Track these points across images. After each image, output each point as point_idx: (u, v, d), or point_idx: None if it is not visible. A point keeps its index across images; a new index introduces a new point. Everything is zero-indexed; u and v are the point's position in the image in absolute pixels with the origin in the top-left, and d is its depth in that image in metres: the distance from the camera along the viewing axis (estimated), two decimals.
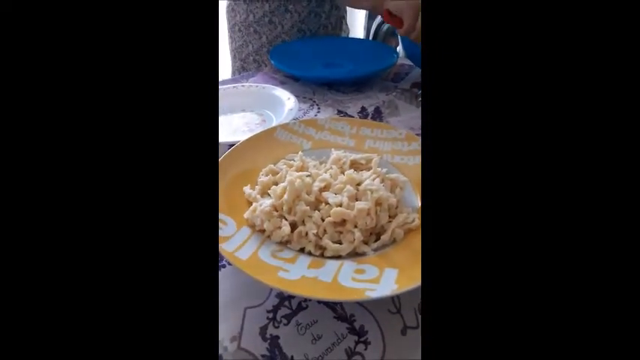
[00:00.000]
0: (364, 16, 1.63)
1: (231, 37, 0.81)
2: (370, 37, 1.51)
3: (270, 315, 0.28)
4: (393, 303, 0.29)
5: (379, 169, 0.35)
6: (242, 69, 0.82)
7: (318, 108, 0.57)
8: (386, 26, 1.48)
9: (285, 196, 0.30)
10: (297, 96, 0.56)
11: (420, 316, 0.28)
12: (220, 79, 0.67)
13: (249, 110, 0.54)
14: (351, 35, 0.94)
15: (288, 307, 0.28)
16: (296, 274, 0.26)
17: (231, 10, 0.78)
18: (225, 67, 0.88)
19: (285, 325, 0.27)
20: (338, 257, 0.29)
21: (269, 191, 0.32)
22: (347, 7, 0.85)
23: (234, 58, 0.83)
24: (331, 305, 0.28)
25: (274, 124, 0.50)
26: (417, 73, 0.68)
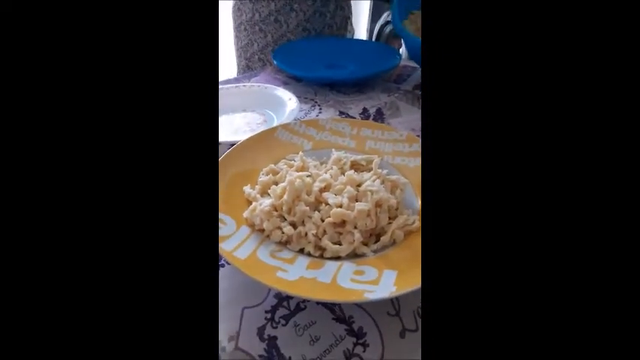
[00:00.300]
0: (367, 17, 1.63)
1: (237, 36, 0.82)
2: (373, 39, 1.50)
3: (269, 315, 0.27)
4: (392, 305, 0.28)
5: (380, 170, 0.34)
6: (247, 68, 0.82)
7: (320, 109, 0.57)
8: (389, 28, 1.48)
9: (285, 196, 0.30)
10: (298, 96, 0.55)
11: (419, 319, 0.28)
12: (225, 78, 0.67)
13: (251, 110, 0.54)
14: (354, 37, 0.94)
15: (286, 307, 0.28)
16: (295, 275, 0.26)
17: (237, 10, 0.79)
18: (232, 67, 0.88)
19: (283, 325, 0.27)
20: (337, 258, 0.29)
21: (269, 191, 0.32)
22: (352, 8, 0.85)
23: (239, 57, 0.83)
24: (330, 306, 0.28)
25: (275, 124, 0.50)
26: (419, 74, 0.67)
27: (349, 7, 0.84)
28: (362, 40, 0.94)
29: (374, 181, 0.33)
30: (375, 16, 1.57)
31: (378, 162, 0.36)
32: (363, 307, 0.28)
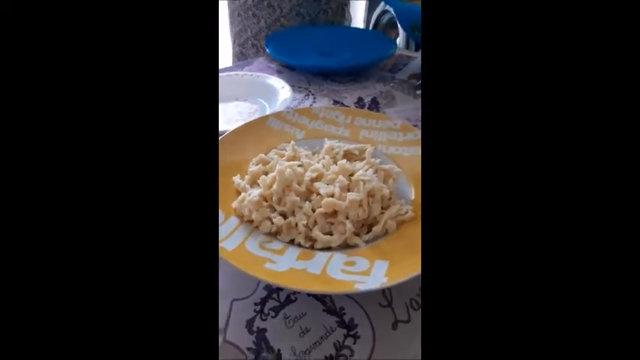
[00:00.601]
0: (364, 7, 1.60)
1: (231, 22, 0.81)
2: (370, 28, 1.48)
3: (258, 307, 0.27)
4: (384, 296, 0.28)
5: (373, 159, 0.34)
6: (241, 54, 0.81)
7: (314, 98, 0.55)
8: (386, 18, 1.46)
9: (275, 186, 0.29)
10: (292, 85, 0.54)
11: (411, 310, 0.27)
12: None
13: (243, 99, 0.53)
14: (352, 25, 0.92)
15: (276, 299, 0.27)
16: (284, 266, 0.25)
17: None
18: (225, 56, 0.86)
19: (272, 317, 0.26)
20: (328, 249, 0.28)
21: (258, 181, 0.31)
22: None
23: (233, 43, 0.82)
24: (321, 298, 0.28)
25: (268, 113, 0.49)
26: (414, 64, 0.66)
27: None
28: (357, 28, 0.92)
29: (366, 170, 0.32)
30: (372, 5, 1.55)
31: (372, 151, 0.35)
32: (354, 298, 0.28)
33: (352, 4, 0.89)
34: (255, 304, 0.27)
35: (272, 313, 0.26)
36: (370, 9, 1.58)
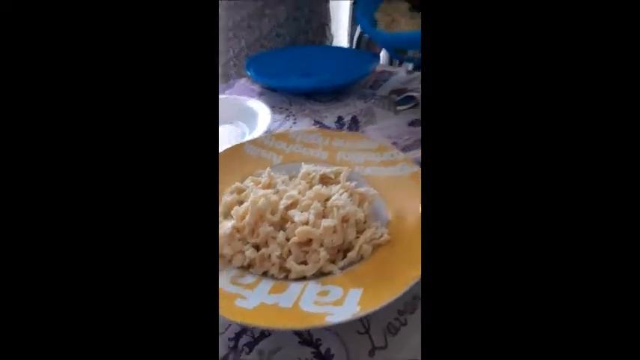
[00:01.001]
0: (347, 25, 1.63)
1: None
2: (354, 43, 1.50)
3: (232, 344, 0.26)
4: (362, 323, 0.27)
5: (348, 182, 0.34)
6: (223, 75, 0.82)
7: (295, 119, 0.56)
8: None
9: (247, 218, 0.29)
10: (273, 107, 0.55)
11: (388, 336, 0.27)
12: None
13: (224, 123, 0.54)
14: (335, 43, 0.93)
15: (250, 335, 0.27)
16: (254, 302, 0.25)
17: None
18: None
19: (247, 354, 0.26)
20: (303, 278, 0.28)
21: (232, 212, 0.31)
22: (330, 15, 0.85)
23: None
24: (296, 330, 0.27)
25: (248, 136, 0.49)
26: (395, 79, 0.67)
27: (326, 13, 0.84)
28: (337, 47, 0.93)
29: (341, 194, 0.32)
30: (355, 19, 1.57)
31: (347, 174, 0.35)
32: (330, 327, 0.27)
33: (334, 23, 0.90)
34: (229, 339, 0.27)
35: (246, 349, 0.26)
36: (353, 25, 1.60)
